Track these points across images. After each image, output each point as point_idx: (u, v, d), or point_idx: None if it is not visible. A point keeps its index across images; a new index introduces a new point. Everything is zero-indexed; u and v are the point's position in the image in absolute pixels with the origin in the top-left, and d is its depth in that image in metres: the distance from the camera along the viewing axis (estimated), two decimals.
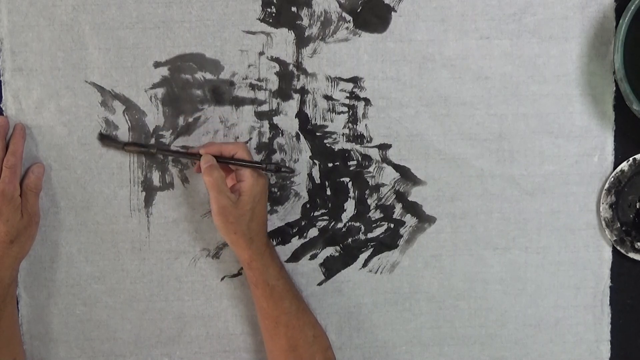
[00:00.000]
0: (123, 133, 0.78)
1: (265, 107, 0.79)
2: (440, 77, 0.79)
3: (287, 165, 0.79)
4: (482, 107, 0.80)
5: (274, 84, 0.78)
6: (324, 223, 0.81)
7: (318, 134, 0.79)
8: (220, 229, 0.73)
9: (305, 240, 0.81)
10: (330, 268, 0.81)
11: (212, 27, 0.77)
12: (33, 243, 0.77)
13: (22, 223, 0.74)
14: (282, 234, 0.80)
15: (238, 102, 0.78)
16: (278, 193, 0.80)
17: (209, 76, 0.78)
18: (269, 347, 0.76)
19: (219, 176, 0.72)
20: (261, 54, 0.78)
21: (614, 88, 0.80)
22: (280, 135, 0.79)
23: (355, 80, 0.79)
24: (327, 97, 0.79)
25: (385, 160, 0.80)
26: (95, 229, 0.79)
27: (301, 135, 0.79)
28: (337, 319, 0.82)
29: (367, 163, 0.80)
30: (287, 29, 0.78)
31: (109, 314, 0.80)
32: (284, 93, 0.79)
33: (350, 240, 0.81)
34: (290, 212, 0.80)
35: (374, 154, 0.80)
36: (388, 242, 0.81)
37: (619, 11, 0.78)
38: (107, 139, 0.77)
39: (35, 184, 0.75)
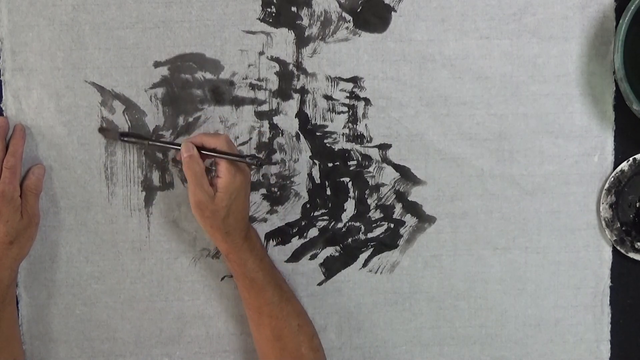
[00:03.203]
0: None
1: (265, 107, 0.79)
2: (440, 77, 0.79)
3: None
4: (482, 107, 0.80)
5: (274, 83, 0.78)
6: (324, 223, 0.81)
7: (318, 133, 0.79)
8: (197, 221, 0.73)
9: (305, 240, 0.81)
10: (330, 268, 0.81)
11: (212, 27, 0.77)
12: (32, 244, 0.77)
13: (22, 224, 0.74)
14: (282, 234, 0.80)
15: (238, 102, 0.78)
16: (278, 193, 0.80)
17: (209, 76, 0.78)
18: (255, 337, 0.77)
19: (199, 169, 0.71)
20: (261, 53, 0.78)
21: (614, 88, 0.80)
22: (280, 135, 0.79)
23: (355, 80, 0.79)
24: (327, 97, 0.79)
25: (385, 160, 0.80)
26: (95, 229, 0.79)
27: (301, 135, 0.79)
28: (337, 319, 0.82)
29: (367, 163, 0.80)
30: (287, 29, 0.78)
31: (109, 314, 0.80)
32: (284, 93, 0.79)
33: (350, 240, 0.81)
34: (290, 212, 0.80)
35: (374, 154, 0.80)
36: (388, 242, 0.81)
37: (619, 11, 0.78)
38: (105, 130, 0.77)
39: (35, 185, 0.75)
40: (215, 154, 0.72)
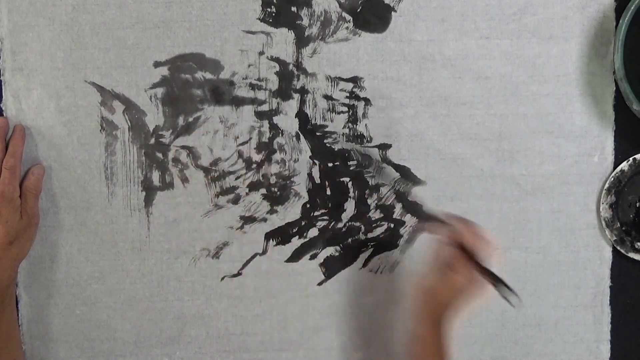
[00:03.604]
0: (123, 133, 0.78)
1: (265, 107, 0.79)
2: (440, 77, 0.79)
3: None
4: (482, 107, 0.80)
5: (274, 83, 0.78)
6: (324, 223, 0.81)
7: (318, 133, 0.79)
8: (414, 305, 0.70)
9: (305, 240, 0.81)
10: (330, 268, 0.81)
11: (212, 27, 0.77)
12: (32, 244, 0.77)
13: (22, 224, 0.74)
14: (282, 234, 0.80)
15: (238, 102, 0.78)
16: (278, 193, 0.80)
17: (209, 76, 0.78)
18: None
19: (464, 281, 0.68)
20: (261, 53, 0.78)
21: (614, 88, 0.80)
22: (280, 135, 0.79)
23: (355, 80, 0.79)
24: (327, 97, 0.79)
25: (385, 160, 0.80)
26: (95, 229, 0.79)
27: (301, 135, 0.79)
28: (337, 319, 0.82)
29: (367, 163, 0.80)
30: (287, 29, 0.78)
31: (109, 314, 0.80)
32: (284, 93, 0.79)
33: (350, 240, 0.81)
34: (290, 212, 0.80)
35: (374, 154, 0.80)
36: (388, 242, 0.81)
37: (619, 11, 0.78)
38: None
39: (35, 185, 0.75)
40: (479, 267, 0.68)
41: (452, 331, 0.70)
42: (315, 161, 0.80)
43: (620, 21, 0.74)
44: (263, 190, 0.80)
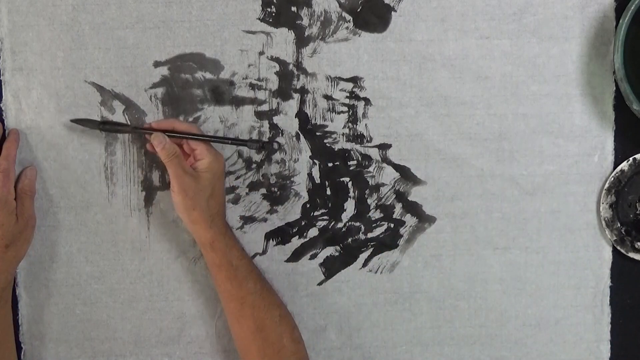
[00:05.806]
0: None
1: (265, 107, 0.79)
2: (440, 77, 0.79)
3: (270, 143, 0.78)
4: (482, 107, 0.80)
5: (274, 83, 0.78)
6: (324, 223, 0.81)
7: (318, 133, 0.79)
8: (179, 207, 0.73)
9: (305, 240, 0.81)
10: (330, 268, 0.81)
11: (212, 27, 0.77)
12: (29, 246, 0.76)
13: (18, 227, 0.73)
14: (282, 234, 0.80)
15: (238, 102, 0.78)
16: (278, 193, 0.80)
17: (209, 76, 0.78)
18: (235, 331, 0.75)
19: (178, 151, 0.72)
20: (261, 53, 0.78)
21: (614, 88, 0.80)
22: (280, 135, 0.79)
23: (355, 80, 0.79)
24: (327, 97, 0.79)
25: (385, 160, 0.80)
26: (95, 229, 0.79)
27: (301, 135, 0.79)
28: (337, 319, 0.82)
29: (367, 163, 0.80)
30: (287, 29, 0.78)
31: (109, 314, 0.80)
32: (284, 93, 0.79)
33: (350, 240, 0.81)
34: (290, 212, 0.80)
35: (374, 153, 0.80)
36: (388, 242, 0.81)
37: (619, 11, 0.78)
38: (83, 120, 0.76)
39: (29, 187, 0.75)
40: (207, 138, 0.74)
41: (227, 226, 0.76)
42: (315, 161, 0.80)
43: (620, 21, 0.74)
44: (263, 190, 0.80)
